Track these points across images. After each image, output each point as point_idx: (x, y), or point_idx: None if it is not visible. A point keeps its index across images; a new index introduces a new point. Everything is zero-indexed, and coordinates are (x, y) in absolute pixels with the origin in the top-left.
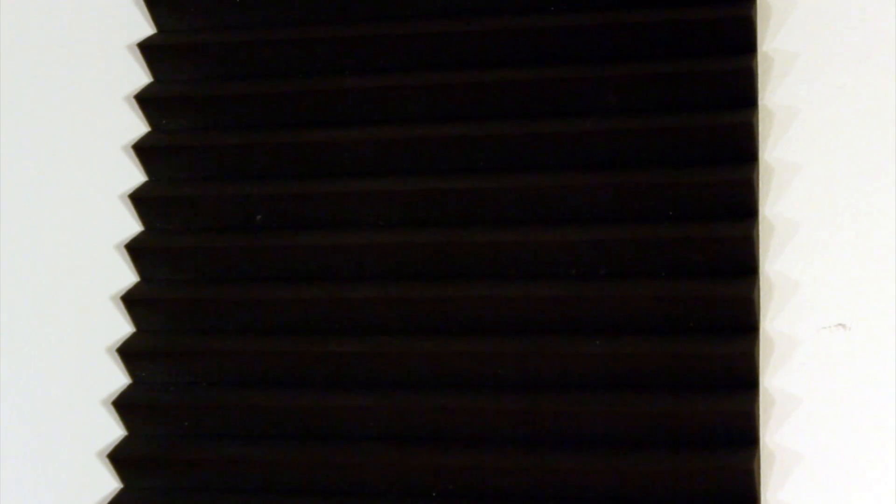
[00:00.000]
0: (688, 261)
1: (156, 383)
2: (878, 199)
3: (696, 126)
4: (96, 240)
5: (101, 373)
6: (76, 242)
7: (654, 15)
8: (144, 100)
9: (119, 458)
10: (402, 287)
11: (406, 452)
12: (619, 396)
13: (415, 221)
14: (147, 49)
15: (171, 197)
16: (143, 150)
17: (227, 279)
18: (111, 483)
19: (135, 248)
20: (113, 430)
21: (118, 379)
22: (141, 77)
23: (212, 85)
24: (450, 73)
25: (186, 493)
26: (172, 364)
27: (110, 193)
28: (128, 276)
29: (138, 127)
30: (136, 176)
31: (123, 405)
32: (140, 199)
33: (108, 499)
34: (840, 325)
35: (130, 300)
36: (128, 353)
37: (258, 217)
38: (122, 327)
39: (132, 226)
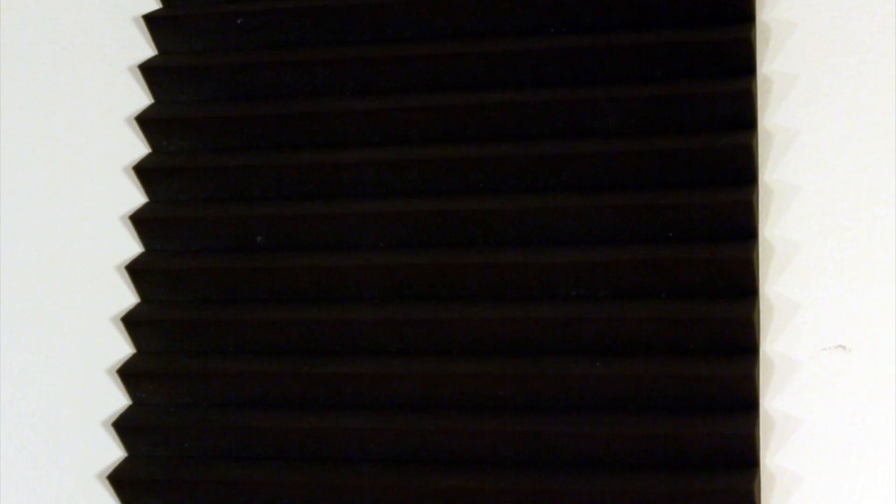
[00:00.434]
0: (688, 282)
1: (156, 404)
2: (877, 220)
3: (695, 148)
4: (97, 261)
5: (101, 394)
6: (77, 263)
7: (654, 37)
8: (145, 121)
9: (119, 479)
10: (402, 308)
11: (406, 474)
12: (619, 418)
13: (415, 243)
14: (148, 70)
15: (171, 218)
16: (144, 171)
17: (228, 300)
18: None
19: (135, 270)
20: (113, 452)
21: (118, 400)
22: (142, 98)
23: (212, 106)
24: (450, 95)
25: None
26: (173, 385)
27: (111, 215)
28: (128, 298)
29: (139, 148)
30: (136, 197)
31: (124, 426)
32: (141, 221)
33: None
34: (840, 346)
35: (131, 321)
36: (128, 374)
37: (259, 238)
38: (123, 348)
39: (133, 247)
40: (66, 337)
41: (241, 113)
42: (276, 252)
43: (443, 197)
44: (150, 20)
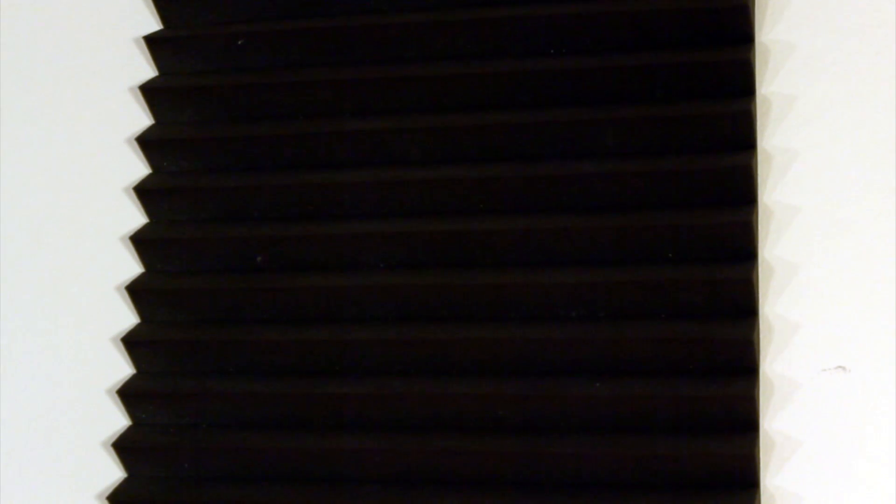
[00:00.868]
0: (687, 303)
1: (156, 425)
2: (877, 241)
3: (695, 169)
4: (97, 281)
5: (101, 414)
6: (77, 283)
7: (653, 58)
8: (146, 142)
9: (119, 500)
10: (402, 329)
11: (406, 495)
12: (619, 439)
13: (415, 263)
14: (148, 91)
15: (171, 239)
16: (144, 191)
17: (228, 321)
18: None
19: (135, 290)
20: (113, 472)
21: (118, 420)
22: (142, 119)
23: (213, 127)
24: (450, 116)
25: None
26: (173, 406)
27: (111, 235)
28: (128, 318)
29: (139, 169)
30: (137, 217)
31: (124, 447)
32: (141, 241)
33: None
34: (840, 367)
35: (131, 342)
36: (128, 394)
37: (259, 259)
38: (123, 369)
39: (133, 267)
40: (66, 357)
41: (242, 133)
42: (277, 272)
43: (443, 218)
44: (152, 41)
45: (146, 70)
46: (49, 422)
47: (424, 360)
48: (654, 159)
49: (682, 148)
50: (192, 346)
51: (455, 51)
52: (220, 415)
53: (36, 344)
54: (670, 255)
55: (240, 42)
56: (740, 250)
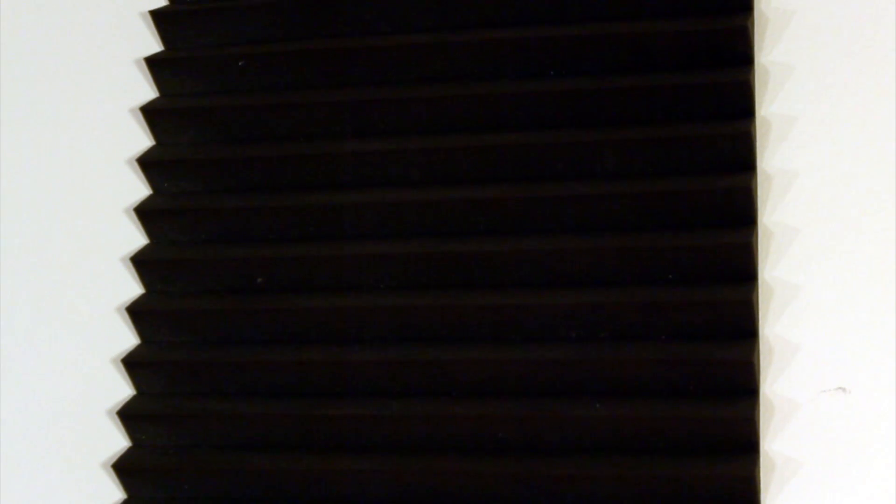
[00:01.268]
0: (688, 324)
1: (156, 446)
2: (876, 262)
3: (695, 190)
4: (97, 301)
5: (101, 435)
6: (78, 304)
7: (653, 79)
8: (146, 163)
9: None
10: (402, 350)
11: None
12: (620, 460)
13: (415, 284)
14: (149, 112)
15: (172, 259)
16: (145, 212)
17: (228, 342)
18: None
19: (136, 311)
20: (113, 494)
21: (118, 442)
22: (143, 140)
23: (213, 148)
24: (450, 137)
25: None
26: (173, 427)
27: (112, 256)
28: (128, 339)
29: (140, 190)
30: (137, 238)
31: (124, 468)
32: (141, 262)
33: None
34: (840, 388)
35: (131, 363)
36: (128, 415)
37: (259, 280)
38: (123, 390)
39: (133, 288)
40: (66, 378)
41: (242, 155)
42: (277, 294)
43: (443, 239)
44: (152, 62)
45: (147, 91)
46: (49, 443)
47: (424, 381)
48: (654, 180)
49: (682, 169)
50: (193, 367)
51: (455, 72)
52: (221, 436)
53: (36, 364)
54: (670, 276)
55: (240, 63)
56: (740, 271)
